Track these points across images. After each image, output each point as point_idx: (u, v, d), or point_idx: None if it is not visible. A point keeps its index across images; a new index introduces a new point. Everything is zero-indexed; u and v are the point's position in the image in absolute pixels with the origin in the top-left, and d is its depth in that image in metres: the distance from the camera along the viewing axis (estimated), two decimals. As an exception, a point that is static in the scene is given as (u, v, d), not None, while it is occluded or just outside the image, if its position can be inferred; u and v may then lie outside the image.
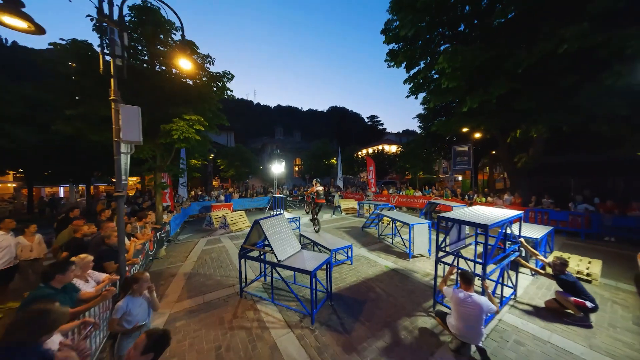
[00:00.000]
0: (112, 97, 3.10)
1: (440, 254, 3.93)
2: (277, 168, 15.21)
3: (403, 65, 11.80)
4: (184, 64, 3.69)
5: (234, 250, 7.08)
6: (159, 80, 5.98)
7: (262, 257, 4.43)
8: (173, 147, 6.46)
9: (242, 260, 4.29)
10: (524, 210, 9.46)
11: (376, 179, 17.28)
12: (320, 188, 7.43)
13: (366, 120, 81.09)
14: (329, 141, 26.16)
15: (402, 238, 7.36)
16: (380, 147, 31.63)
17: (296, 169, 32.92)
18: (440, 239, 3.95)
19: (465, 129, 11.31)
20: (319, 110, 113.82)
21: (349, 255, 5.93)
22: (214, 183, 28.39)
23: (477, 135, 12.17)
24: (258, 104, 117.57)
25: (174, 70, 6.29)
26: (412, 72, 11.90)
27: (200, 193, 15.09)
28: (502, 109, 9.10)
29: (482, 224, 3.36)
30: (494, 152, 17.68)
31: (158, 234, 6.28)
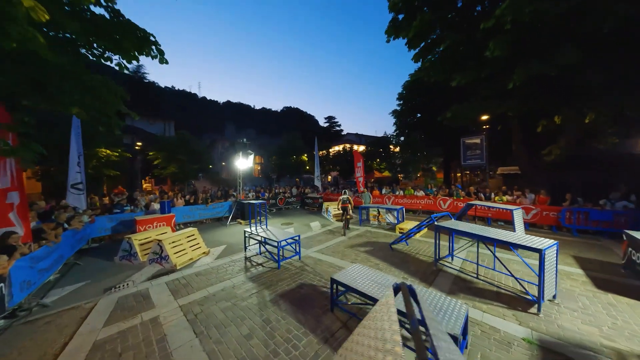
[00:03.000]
0: None
1: None
2: (243, 163, 11.02)
3: (408, 38, 9.51)
4: None
5: (184, 335, 3.07)
6: None
7: None
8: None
9: None
10: (559, 210, 8.19)
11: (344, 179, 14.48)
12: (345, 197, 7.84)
13: (323, 121, 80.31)
14: (298, 137, 22.60)
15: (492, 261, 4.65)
16: (349, 146, 29.81)
17: (257, 168, 28.13)
18: None
19: (484, 117, 9.77)
20: (273, 109, 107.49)
21: (464, 337, 2.75)
22: (146, 186, 21.31)
23: (485, 125, 10.82)
24: (204, 98, 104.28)
25: None
26: (422, 44, 9.73)
27: (117, 199, 9.50)
28: (543, 88, 7.54)
29: None
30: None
31: None
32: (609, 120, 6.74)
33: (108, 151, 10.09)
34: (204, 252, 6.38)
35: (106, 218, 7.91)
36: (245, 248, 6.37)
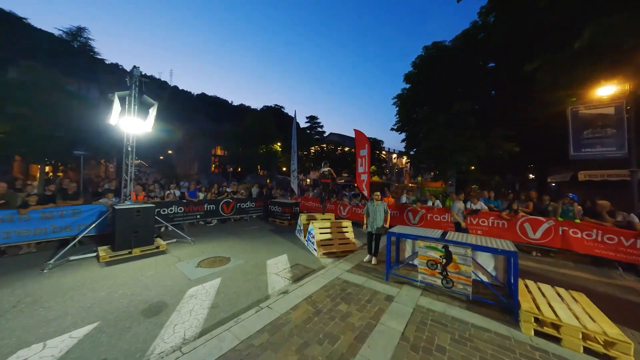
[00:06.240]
0: None
1: None
2: (135, 124, 5.16)
3: None
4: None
5: None
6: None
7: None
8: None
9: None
10: None
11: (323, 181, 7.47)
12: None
13: (304, 121, 74.67)
14: (271, 117, 16.70)
15: None
16: (332, 147, 24.72)
17: (216, 163, 21.57)
18: None
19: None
20: (252, 107, 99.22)
21: None
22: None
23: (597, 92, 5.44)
24: (176, 87, 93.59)
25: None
26: None
27: None
28: None
29: None
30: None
31: None
32: None
33: None
34: None
35: None
36: None
